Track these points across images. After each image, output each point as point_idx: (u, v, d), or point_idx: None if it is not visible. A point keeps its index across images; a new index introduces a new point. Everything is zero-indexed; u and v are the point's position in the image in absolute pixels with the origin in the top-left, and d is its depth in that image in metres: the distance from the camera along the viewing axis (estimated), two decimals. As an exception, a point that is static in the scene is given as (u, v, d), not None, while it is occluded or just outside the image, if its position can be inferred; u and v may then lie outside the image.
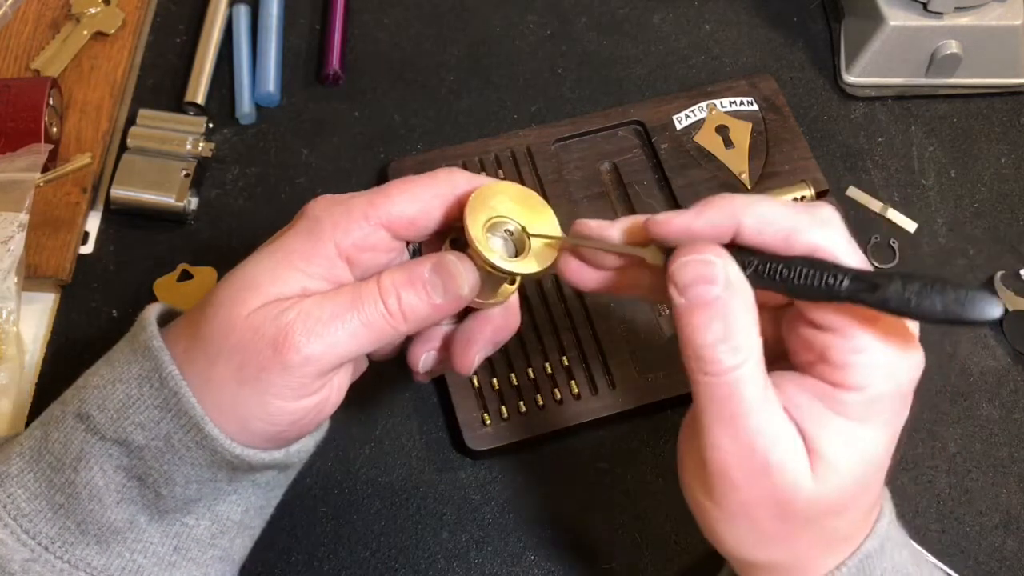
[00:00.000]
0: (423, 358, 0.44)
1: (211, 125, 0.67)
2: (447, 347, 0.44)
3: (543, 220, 0.41)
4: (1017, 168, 0.69)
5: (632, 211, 0.64)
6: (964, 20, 0.67)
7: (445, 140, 0.68)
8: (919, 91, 0.71)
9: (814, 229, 0.36)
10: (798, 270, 0.35)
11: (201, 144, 0.65)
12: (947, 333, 0.63)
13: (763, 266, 0.36)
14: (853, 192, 0.67)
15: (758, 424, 0.35)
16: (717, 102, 0.68)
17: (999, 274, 0.64)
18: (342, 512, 0.56)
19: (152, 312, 0.40)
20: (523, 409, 0.57)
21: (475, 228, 0.39)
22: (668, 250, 0.37)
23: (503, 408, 0.57)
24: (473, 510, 0.56)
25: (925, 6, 0.67)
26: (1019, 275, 0.64)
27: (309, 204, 0.40)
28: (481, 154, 0.65)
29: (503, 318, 0.43)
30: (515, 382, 0.58)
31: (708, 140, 0.66)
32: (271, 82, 0.69)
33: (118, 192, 0.63)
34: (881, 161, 0.69)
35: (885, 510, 0.40)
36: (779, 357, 0.39)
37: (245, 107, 0.68)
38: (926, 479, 0.59)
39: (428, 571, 0.54)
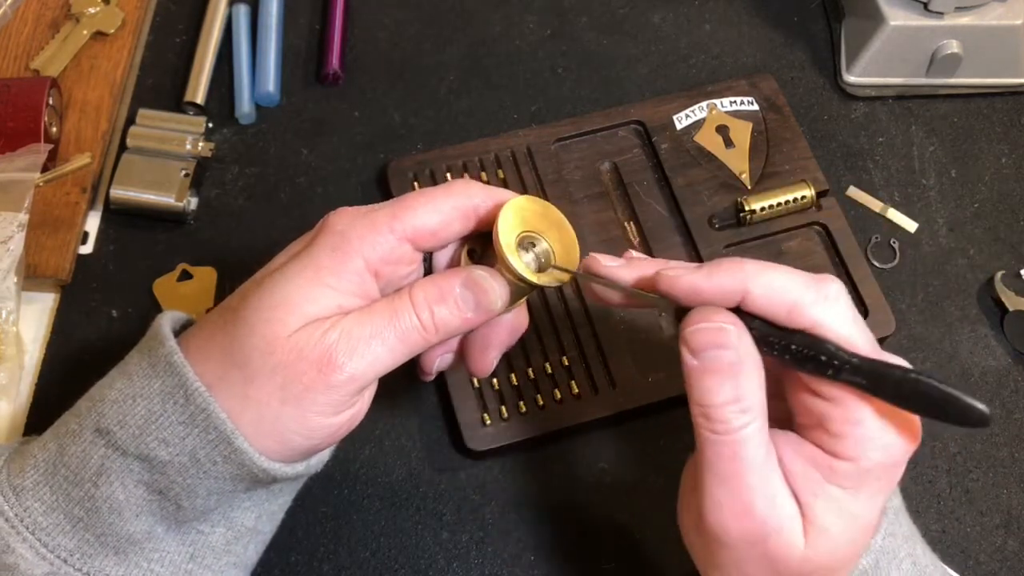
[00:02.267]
0: (438, 362, 0.45)
1: (211, 125, 0.67)
2: (461, 350, 0.45)
3: (563, 234, 0.43)
4: (1017, 168, 0.69)
5: (632, 211, 0.64)
6: (964, 20, 0.67)
7: (445, 140, 0.68)
8: (919, 91, 0.71)
9: (818, 305, 0.36)
10: (798, 345, 0.36)
11: (201, 144, 0.65)
12: (947, 333, 0.63)
13: (764, 334, 0.37)
14: (853, 192, 0.67)
15: (758, 485, 0.37)
16: (717, 102, 0.68)
17: (999, 274, 0.64)
18: (342, 512, 0.56)
19: (166, 324, 0.40)
20: (523, 409, 0.57)
21: (508, 243, 0.40)
22: (680, 306, 0.39)
23: (503, 408, 0.57)
24: (473, 510, 0.56)
25: (925, 6, 0.67)
26: (1019, 275, 0.64)
27: (331, 217, 0.41)
28: (481, 154, 0.65)
29: (516, 320, 0.45)
30: (515, 382, 0.58)
31: (708, 140, 0.66)
32: (271, 82, 0.69)
33: (118, 192, 0.63)
34: (881, 161, 0.69)
35: (881, 525, 0.40)
36: (781, 418, 0.39)
37: (245, 107, 0.68)
38: (926, 479, 0.58)
39: (428, 571, 0.54)
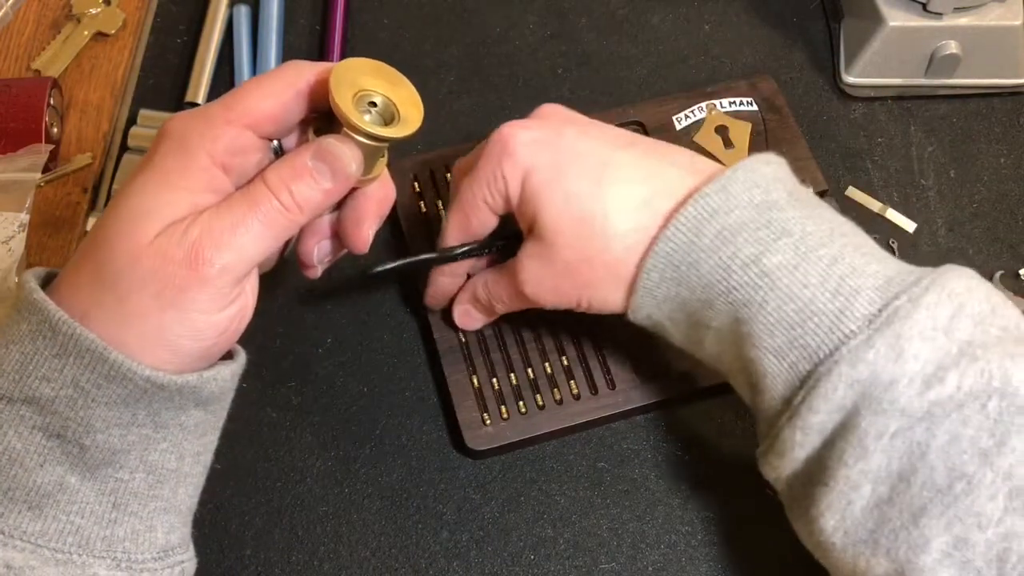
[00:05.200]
0: (316, 251, 0.46)
1: (211, 125, 0.67)
2: (336, 234, 0.47)
3: (402, 88, 0.43)
4: (1016, 168, 0.69)
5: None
6: (963, 20, 0.67)
7: (445, 140, 0.68)
8: (918, 91, 0.71)
9: None
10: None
11: (201, 144, 0.65)
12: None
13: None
14: (852, 192, 0.67)
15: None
16: (717, 102, 0.68)
17: (998, 274, 0.64)
18: (342, 512, 0.56)
19: (30, 272, 0.41)
20: (523, 409, 0.57)
21: (345, 103, 0.41)
22: None
23: (503, 408, 0.57)
24: (473, 510, 0.56)
25: (924, 6, 0.67)
26: (1018, 275, 0.64)
27: (166, 123, 0.41)
28: (481, 154, 0.65)
29: (382, 191, 0.46)
30: (515, 382, 0.58)
31: (708, 140, 0.66)
32: (271, 82, 0.69)
33: (119, 192, 0.63)
34: (880, 161, 0.69)
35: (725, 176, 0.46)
36: None
37: (245, 107, 0.68)
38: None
39: (428, 571, 0.54)
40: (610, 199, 0.47)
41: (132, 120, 0.66)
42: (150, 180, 0.40)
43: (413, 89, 0.44)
